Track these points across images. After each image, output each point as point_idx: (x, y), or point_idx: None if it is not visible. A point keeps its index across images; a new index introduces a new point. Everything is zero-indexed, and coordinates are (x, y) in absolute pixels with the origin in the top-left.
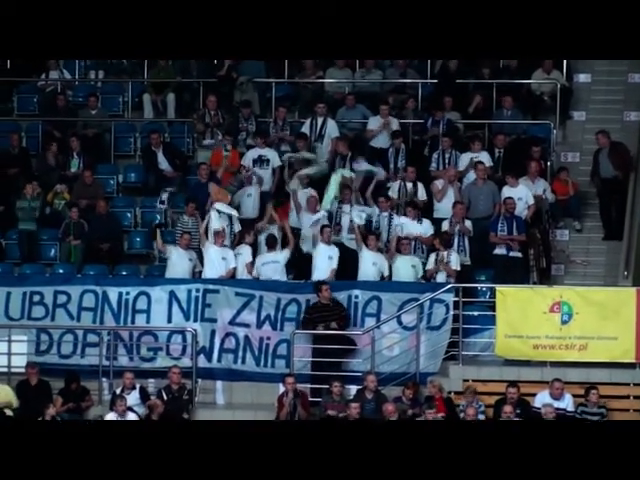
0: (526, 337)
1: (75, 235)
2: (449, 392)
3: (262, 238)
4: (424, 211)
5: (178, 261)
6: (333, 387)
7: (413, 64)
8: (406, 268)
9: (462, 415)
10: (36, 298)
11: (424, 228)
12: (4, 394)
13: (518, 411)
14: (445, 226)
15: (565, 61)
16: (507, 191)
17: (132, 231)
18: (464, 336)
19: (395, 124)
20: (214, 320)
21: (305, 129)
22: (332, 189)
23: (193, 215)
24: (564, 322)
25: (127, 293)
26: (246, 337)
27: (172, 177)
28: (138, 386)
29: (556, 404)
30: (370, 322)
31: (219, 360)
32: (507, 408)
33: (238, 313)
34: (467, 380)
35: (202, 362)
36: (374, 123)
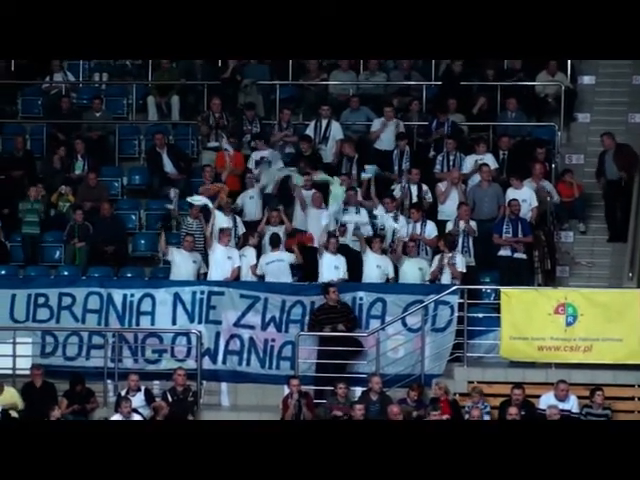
0: (531, 339)
1: (80, 237)
2: (454, 394)
3: (266, 237)
4: (428, 213)
5: (182, 263)
6: (338, 389)
7: (417, 66)
8: (413, 271)
9: (467, 417)
10: (41, 300)
11: (429, 230)
12: (9, 396)
13: (523, 413)
14: (450, 228)
15: (569, 63)
16: (511, 193)
17: (137, 233)
18: (469, 338)
19: (400, 126)
20: (219, 322)
21: (309, 131)
22: (335, 200)
23: (197, 217)
24: (569, 324)
25: (132, 295)
26: (251, 339)
27: (177, 179)
28: (143, 388)
29: (561, 405)
30: (375, 324)
31: (224, 362)
32: (512, 410)
33: (243, 315)
34: (472, 382)
35: (207, 364)
36: (378, 125)
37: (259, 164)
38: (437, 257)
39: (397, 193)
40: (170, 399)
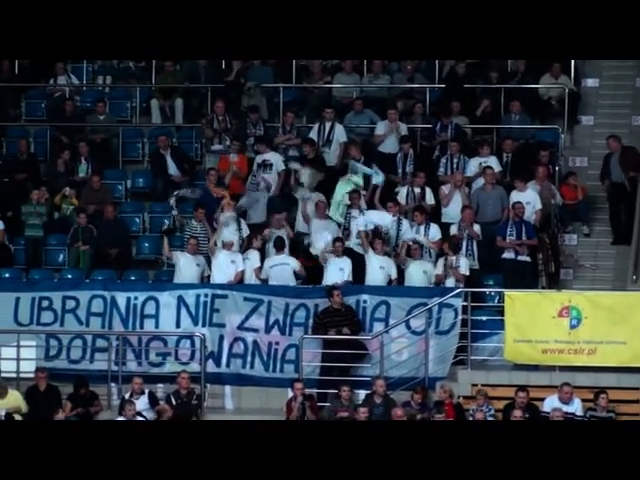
0: (535, 341)
1: (84, 240)
2: (458, 397)
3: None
4: (432, 216)
5: (186, 266)
6: (342, 391)
7: (421, 68)
8: (418, 273)
9: (471, 420)
10: (45, 303)
11: (432, 233)
12: (13, 399)
13: (527, 415)
14: (453, 230)
15: (573, 66)
16: (515, 195)
17: (140, 236)
18: (473, 341)
19: (403, 129)
20: (223, 325)
21: (313, 134)
22: (340, 196)
23: (201, 220)
24: (573, 326)
25: (135, 298)
26: (255, 342)
27: (180, 181)
28: (147, 391)
29: (565, 408)
30: (379, 327)
31: (228, 365)
32: (516, 412)
33: (247, 318)
34: (476, 385)
35: (211, 367)
36: (382, 128)
37: (261, 167)
38: (441, 260)
39: (401, 197)
40: (174, 402)
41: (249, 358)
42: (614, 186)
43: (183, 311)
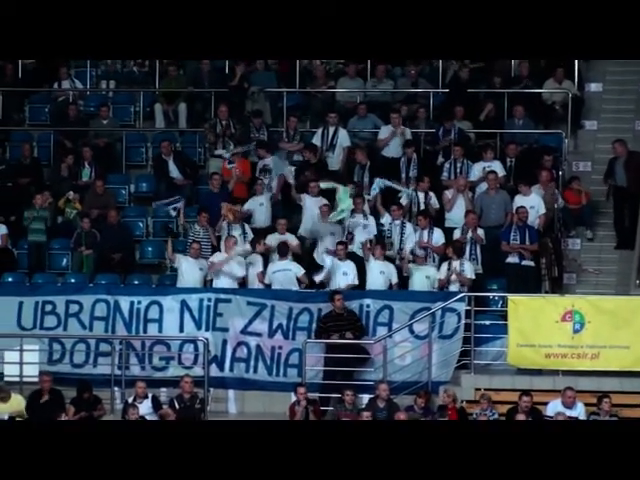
0: (538, 346)
1: (87, 245)
2: (461, 401)
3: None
4: (436, 220)
5: (188, 270)
6: (345, 396)
7: (424, 73)
8: (421, 279)
9: (472, 420)
10: (48, 308)
11: (436, 237)
12: (16, 403)
13: (530, 420)
14: (457, 235)
15: (576, 70)
16: (519, 200)
17: (144, 241)
18: (476, 345)
19: (407, 134)
20: (226, 329)
21: (316, 139)
22: (343, 201)
23: (204, 225)
24: (576, 331)
25: (139, 302)
26: (258, 346)
27: (183, 185)
28: (150, 395)
29: (568, 413)
30: (382, 331)
31: (231, 369)
32: (520, 417)
33: (250, 322)
34: (479, 389)
35: (214, 371)
36: (385, 132)
37: (262, 172)
38: (444, 265)
39: (404, 201)
40: (177, 406)
41: (252, 362)
42: (619, 190)
43: (186, 315)
